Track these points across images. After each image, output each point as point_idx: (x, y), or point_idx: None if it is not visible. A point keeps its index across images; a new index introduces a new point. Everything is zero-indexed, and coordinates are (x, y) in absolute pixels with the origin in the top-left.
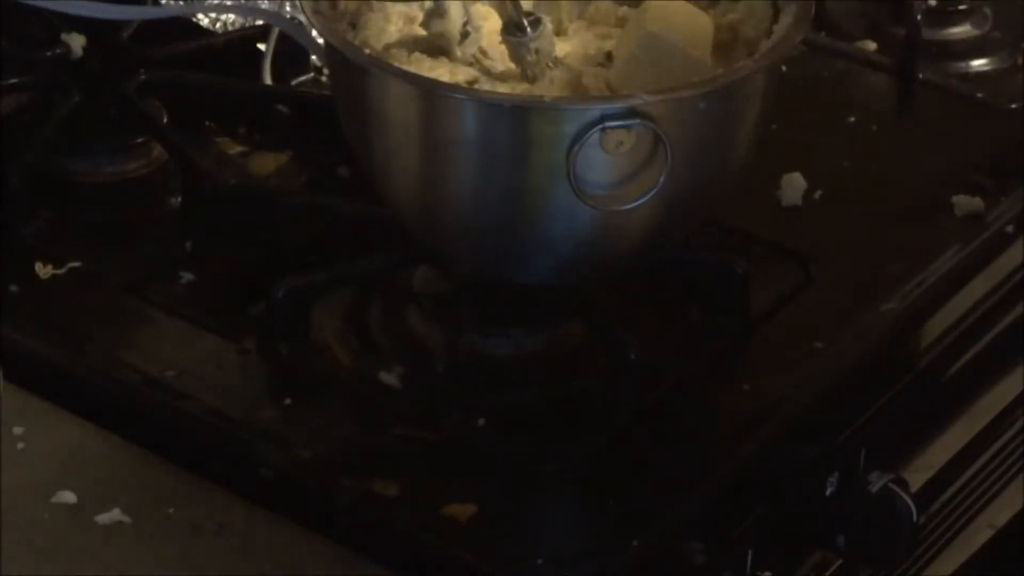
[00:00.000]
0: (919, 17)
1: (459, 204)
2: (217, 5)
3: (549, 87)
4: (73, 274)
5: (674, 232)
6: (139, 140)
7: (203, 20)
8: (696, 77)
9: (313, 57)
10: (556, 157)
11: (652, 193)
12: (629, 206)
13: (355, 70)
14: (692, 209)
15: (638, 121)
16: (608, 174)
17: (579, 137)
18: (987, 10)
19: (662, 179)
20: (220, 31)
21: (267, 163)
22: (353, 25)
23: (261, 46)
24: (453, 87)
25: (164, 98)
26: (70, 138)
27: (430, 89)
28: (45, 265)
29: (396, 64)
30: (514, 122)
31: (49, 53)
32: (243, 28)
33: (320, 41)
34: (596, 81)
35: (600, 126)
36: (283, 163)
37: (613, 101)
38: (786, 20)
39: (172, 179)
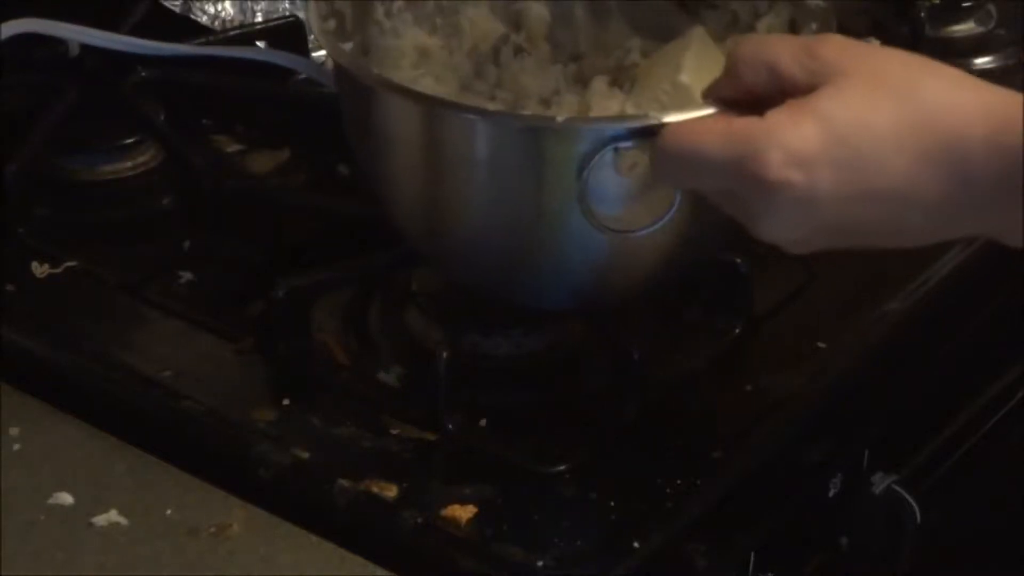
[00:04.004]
0: (923, 15)
1: (468, 226)
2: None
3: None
4: (70, 273)
5: (693, 255)
6: (136, 139)
7: (202, 18)
8: None
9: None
10: (567, 178)
11: (668, 217)
12: (645, 231)
13: (362, 90)
14: (710, 230)
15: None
16: (622, 198)
17: (590, 157)
18: (991, 7)
19: (677, 199)
20: (219, 29)
21: (266, 162)
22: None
23: (260, 45)
24: (462, 106)
25: (162, 97)
26: (67, 137)
27: (436, 107)
28: (42, 264)
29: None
30: (524, 142)
31: (46, 51)
32: (242, 26)
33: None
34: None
35: (612, 146)
36: (282, 162)
37: (626, 122)
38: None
39: (170, 178)
